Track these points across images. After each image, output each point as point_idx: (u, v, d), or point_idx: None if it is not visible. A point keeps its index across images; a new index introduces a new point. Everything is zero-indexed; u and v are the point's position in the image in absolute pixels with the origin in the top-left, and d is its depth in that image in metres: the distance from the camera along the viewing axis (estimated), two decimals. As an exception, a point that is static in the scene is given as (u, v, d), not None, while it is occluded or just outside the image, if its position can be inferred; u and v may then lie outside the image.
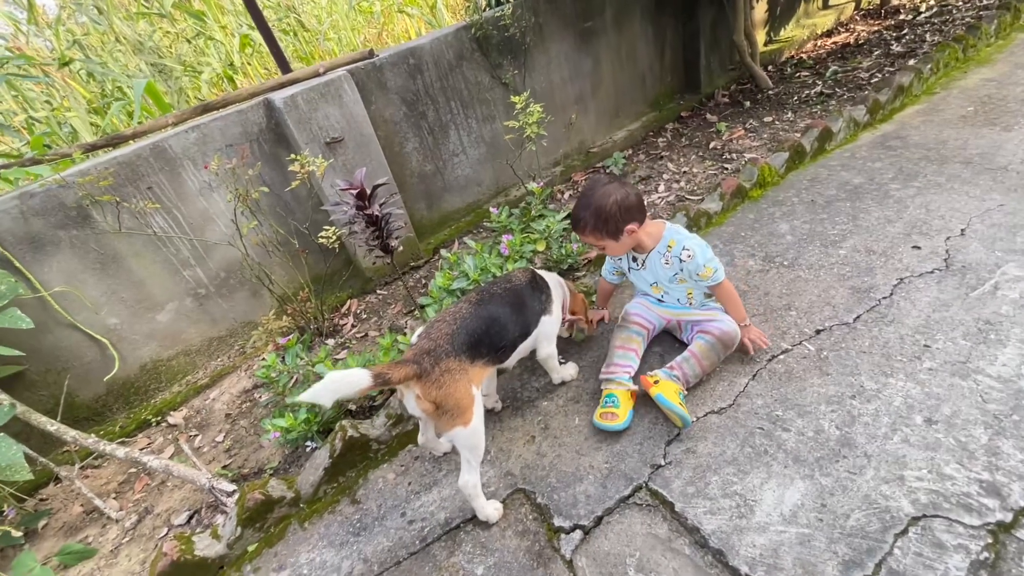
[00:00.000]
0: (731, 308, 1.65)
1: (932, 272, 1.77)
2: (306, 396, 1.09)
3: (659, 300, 1.76)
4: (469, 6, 3.10)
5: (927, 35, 3.84)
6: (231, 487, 1.69)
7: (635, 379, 1.60)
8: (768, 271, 1.98)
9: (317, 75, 2.39)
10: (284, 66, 2.37)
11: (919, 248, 1.89)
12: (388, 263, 1.83)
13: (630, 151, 3.53)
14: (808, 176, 2.55)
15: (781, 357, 1.61)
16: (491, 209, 2.21)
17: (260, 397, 2.15)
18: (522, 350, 1.52)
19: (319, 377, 1.88)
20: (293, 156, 1.89)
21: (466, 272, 1.87)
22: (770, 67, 4.08)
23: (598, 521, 1.31)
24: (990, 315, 1.56)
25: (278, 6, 4.24)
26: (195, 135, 2.17)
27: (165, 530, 1.69)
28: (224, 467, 1.87)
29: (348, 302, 2.77)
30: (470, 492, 1.33)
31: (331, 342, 2.42)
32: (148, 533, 1.70)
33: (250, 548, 1.51)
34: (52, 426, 1.73)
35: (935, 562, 1.06)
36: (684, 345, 1.68)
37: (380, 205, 1.73)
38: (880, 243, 1.96)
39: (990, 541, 1.07)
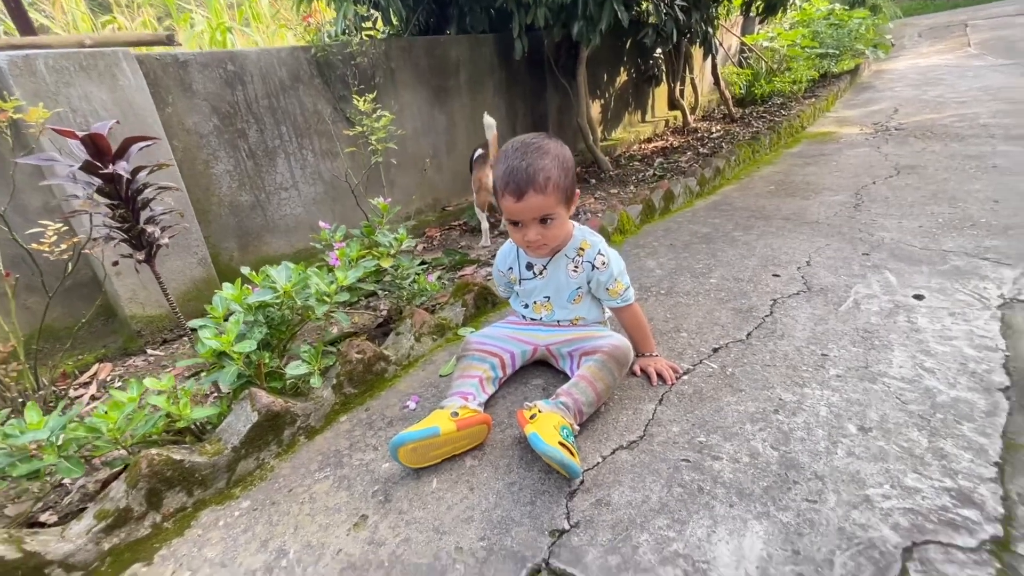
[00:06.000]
0: (639, 337, 1.38)
1: (799, 293, 1.73)
2: None
3: (533, 319, 1.41)
4: (310, 34, 2.81)
5: (723, 144, 4.63)
6: None
7: (487, 408, 1.23)
8: (647, 299, 1.79)
9: (81, 47, 1.78)
10: (25, 26, 1.72)
11: (779, 276, 1.88)
12: (141, 261, 1.17)
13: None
14: (661, 228, 2.59)
15: (685, 377, 1.32)
16: (321, 223, 1.71)
17: None
18: None
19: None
20: (-12, 98, 1.22)
21: (273, 285, 1.30)
22: (607, 157, 4.46)
23: (475, 644, 0.76)
24: (864, 325, 1.50)
25: None
26: None
27: None
28: None
29: (95, 366, 1.89)
30: None
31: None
32: None
33: None
34: None
35: (957, 608, 0.74)
36: (568, 377, 1.31)
37: (135, 173, 1.14)
38: (744, 273, 1.92)
39: (998, 566, 0.79)
